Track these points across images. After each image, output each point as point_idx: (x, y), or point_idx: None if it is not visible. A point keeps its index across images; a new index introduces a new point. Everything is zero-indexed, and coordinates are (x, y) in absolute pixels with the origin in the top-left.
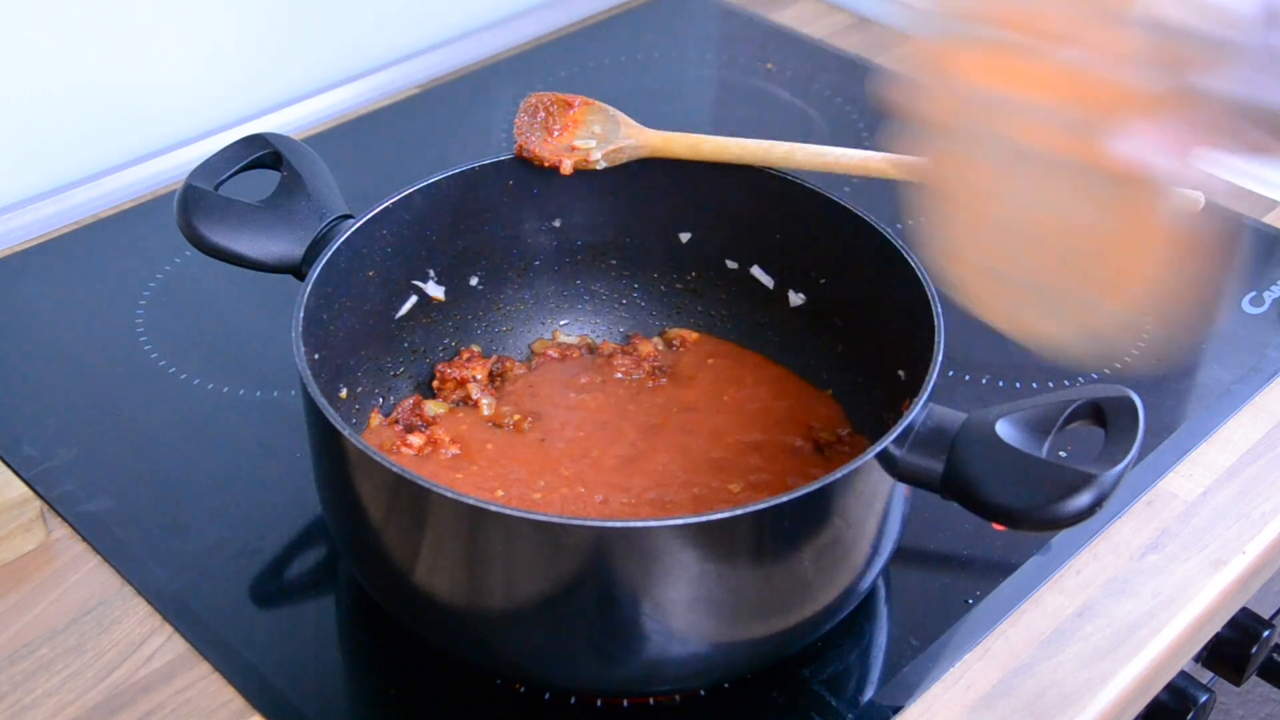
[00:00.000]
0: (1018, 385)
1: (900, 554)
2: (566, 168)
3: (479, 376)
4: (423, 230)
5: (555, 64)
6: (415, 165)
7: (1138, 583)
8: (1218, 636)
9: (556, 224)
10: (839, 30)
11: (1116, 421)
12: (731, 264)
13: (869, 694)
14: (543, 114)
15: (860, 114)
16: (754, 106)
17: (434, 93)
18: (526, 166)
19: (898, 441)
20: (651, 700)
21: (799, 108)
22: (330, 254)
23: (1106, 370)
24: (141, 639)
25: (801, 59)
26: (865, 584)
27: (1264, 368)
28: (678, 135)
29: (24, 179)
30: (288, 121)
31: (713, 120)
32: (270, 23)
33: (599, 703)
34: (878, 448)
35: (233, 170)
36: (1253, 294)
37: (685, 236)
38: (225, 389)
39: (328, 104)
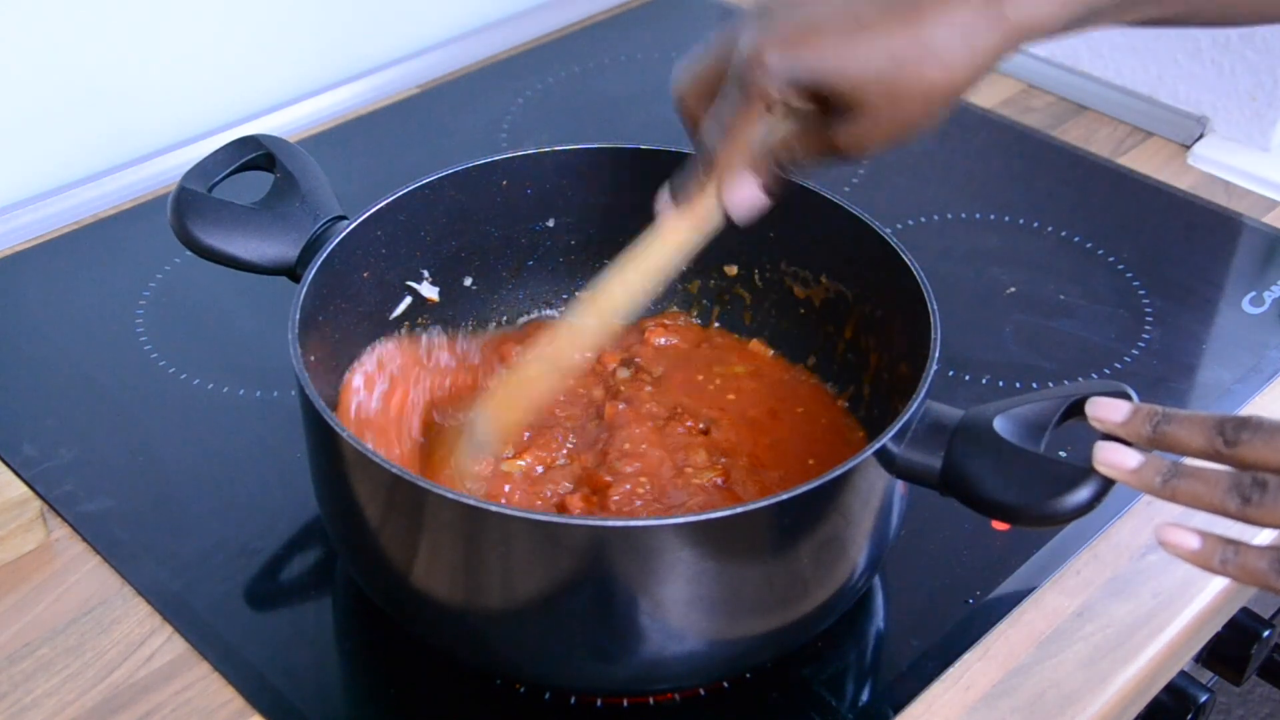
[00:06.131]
0: (1017, 385)
1: (900, 553)
2: None
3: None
4: (417, 231)
5: (555, 64)
6: (414, 166)
7: (1138, 583)
8: (1218, 636)
9: (550, 224)
10: None
11: None
12: (728, 264)
13: (869, 694)
14: None
15: None
16: None
17: (433, 93)
18: (519, 166)
19: (896, 438)
20: (651, 700)
21: None
22: (325, 255)
23: (1106, 370)
24: (141, 639)
25: None
26: (862, 581)
27: (1264, 368)
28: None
29: (24, 179)
30: (288, 122)
31: None
32: (273, 24)
33: (599, 703)
34: (876, 445)
35: (225, 172)
36: (1253, 294)
37: None
38: (225, 389)
39: (327, 104)
